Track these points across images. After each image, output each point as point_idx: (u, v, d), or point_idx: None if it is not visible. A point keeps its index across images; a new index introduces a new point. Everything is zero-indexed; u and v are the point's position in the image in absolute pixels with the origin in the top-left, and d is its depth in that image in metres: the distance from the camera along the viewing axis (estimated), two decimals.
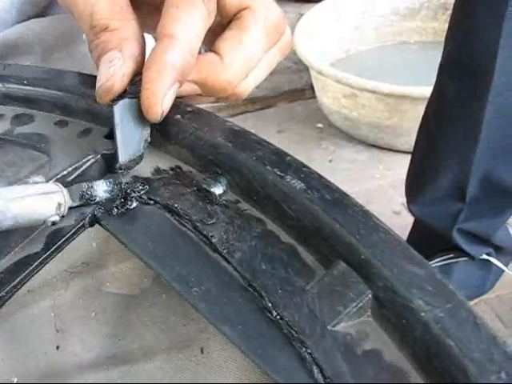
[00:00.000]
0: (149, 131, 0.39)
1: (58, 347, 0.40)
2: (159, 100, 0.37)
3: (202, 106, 0.42)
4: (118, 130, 0.38)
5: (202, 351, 0.37)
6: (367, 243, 0.30)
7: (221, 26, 0.43)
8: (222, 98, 0.44)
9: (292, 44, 0.47)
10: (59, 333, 0.40)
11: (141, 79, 0.38)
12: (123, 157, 0.38)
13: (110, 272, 0.42)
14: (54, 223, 0.35)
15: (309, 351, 0.28)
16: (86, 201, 0.36)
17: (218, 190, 0.36)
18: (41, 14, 0.67)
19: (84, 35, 0.42)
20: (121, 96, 0.39)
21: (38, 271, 0.36)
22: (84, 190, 0.36)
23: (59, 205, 0.35)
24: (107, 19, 0.40)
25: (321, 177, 0.34)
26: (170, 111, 0.38)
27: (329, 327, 0.29)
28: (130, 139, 0.38)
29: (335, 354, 0.28)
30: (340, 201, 0.32)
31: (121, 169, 0.38)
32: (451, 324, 0.26)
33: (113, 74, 0.38)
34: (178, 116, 0.39)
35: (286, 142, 2.09)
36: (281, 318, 0.30)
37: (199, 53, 0.40)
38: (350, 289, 0.29)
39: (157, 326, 0.39)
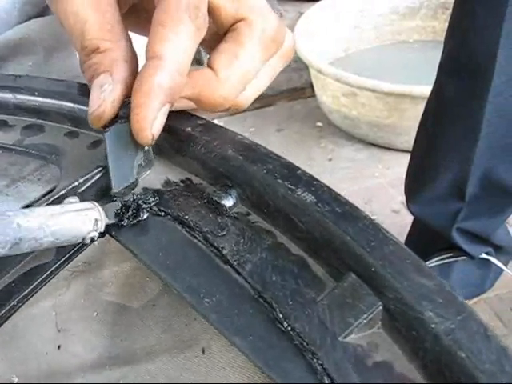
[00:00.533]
0: (142, 155, 0.39)
1: (59, 347, 0.40)
2: (148, 124, 0.36)
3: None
4: (110, 159, 0.38)
5: (203, 352, 0.37)
6: (377, 255, 0.30)
7: (217, 35, 0.43)
8: (220, 111, 0.43)
9: (295, 49, 0.46)
10: (60, 332, 0.40)
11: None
12: (116, 186, 0.38)
13: (112, 271, 0.42)
14: (92, 240, 0.35)
15: (320, 362, 0.28)
16: (120, 218, 0.37)
17: (228, 202, 0.36)
18: (41, 13, 0.67)
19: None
20: (113, 120, 0.39)
21: (48, 281, 0.36)
22: (118, 208, 0.37)
23: (96, 220, 0.35)
24: (97, 39, 0.39)
25: (331, 190, 0.34)
26: (180, 124, 0.39)
27: (339, 339, 0.29)
28: (122, 167, 0.38)
29: (346, 366, 0.28)
30: (350, 214, 0.33)
31: (115, 196, 0.38)
32: (462, 336, 0.27)
33: (103, 100, 0.38)
34: (189, 129, 0.40)
35: (286, 141, 2.09)
36: (292, 330, 0.30)
37: (200, 61, 0.39)
38: (360, 301, 0.30)
39: (159, 326, 0.39)
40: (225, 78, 0.40)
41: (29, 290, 0.35)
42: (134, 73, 0.40)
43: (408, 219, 1.51)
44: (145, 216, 0.37)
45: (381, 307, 0.29)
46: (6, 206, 0.44)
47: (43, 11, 0.67)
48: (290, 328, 0.30)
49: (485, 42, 1.15)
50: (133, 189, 0.39)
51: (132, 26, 0.45)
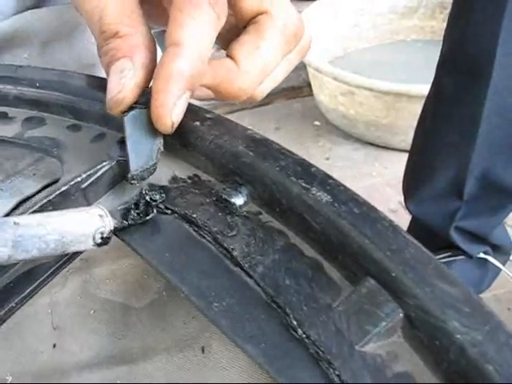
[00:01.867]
0: (161, 140, 0.38)
1: (54, 345, 0.39)
2: (168, 111, 0.36)
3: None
4: (129, 141, 0.37)
5: (202, 351, 0.37)
6: (397, 260, 0.29)
7: (237, 27, 0.42)
8: (236, 101, 0.43)
9: (311, 45, 0.47)
10: (56, 331, 0.40)
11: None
12: (134, 167, 0.37)
13: (110, 269, 0.42)
14: (103, 237, 0.34)
15: (336, 372, 0.27)
16: (126, 217, 0.35)
17: (238, 200, 0.35)
18: (38, 4, 0.66)
19: (92, 37, 0.41)
20: (131, 106, 0.38)
21: (48, 282, 0.35)
22: (124, 207, 0.36)
23: (100, 216, 0.34)
24: (117, 24, 0.39)
25: (348, 189, 0.33)
26: (188, 117, 0.38)
27: (357, 347, 0.28)
28: (141, 149, 0.37)
29: (364, 376, 0.27)
30: (368, 214, 0.31)
31: (133, 179, 0.37)
32: (489, 347, 0.25)
33: (124, 85, 0.38)
34: (197, 123, 0.38)
35: (283, 140, 2.08)
36: (306, 337, 0.28)
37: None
38: (379, 307, 0.28)
39: (157, 325, 0.39)
40: (245, 70, 0.40)
41: (28, 291, 0.34)
42: (153, 60, 0.39)
43: (405, 219, 1.51)
44: (152, 214, 0.35)
45: (401, 315, 0.28)
46: (0, 200, 0.43)
47: (40, 2, 0.66)
48: (304, 335, 0.29)
49: (484, 40, 1.15)
50: (152, 173, 0.38)
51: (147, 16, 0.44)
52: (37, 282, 0.34)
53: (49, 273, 0.34)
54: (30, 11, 0.64)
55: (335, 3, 2.35)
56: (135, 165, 0.37)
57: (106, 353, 0.39)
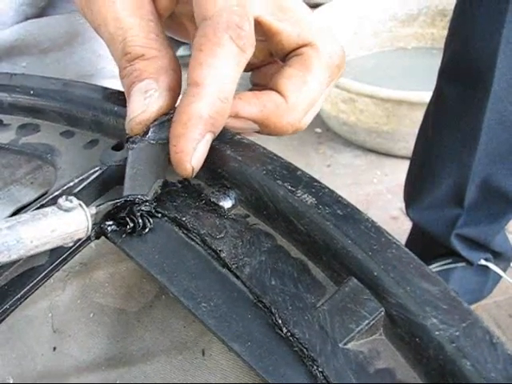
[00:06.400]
0: (160, 183, 0.37)
1: (54, 348, 0.39)
2: (188, 157, 0.35)
3: None
4: (128, 176, 0.37)
5: (203, 353, 0.37)
6: (380, 260, 0.30)
7: (275, 58, 0.42)
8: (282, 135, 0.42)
9: None
10: (56, 334, 0.40)
11: (167, 120, 0.37)
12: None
13: (108, 272, 0.42)
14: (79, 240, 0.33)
15: (320, 369, 0.28)
16: (123, 228, 0.35)
17: (226, 203, 0.35)
18: (39, 14, 0.66)
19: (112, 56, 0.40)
20: (141, 137, 0.38)
21: (42, 284, 0.35)
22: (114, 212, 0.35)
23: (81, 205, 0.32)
24: (143, 47, 0.38)
25: (332, 192, 0.33)
26: None
27: (340, 345, 0.28)
28: (138, 183, 0.37)
29: (347, 373, 0.27)
30: (352, 216, 0.32)
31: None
32: (467, 343, 0.26)
33: (148, 105, 0.37)
34: None
35: (284, 147, 2.09)
36: (291, 335, 0.29)
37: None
38: (362, 306, 0.29)
39: (156, 328, 0.39)
40: (294, 105, 0.39)
41: (22, 293, 0.34)
42: (179, 83, 0.38)
43: (406, 226, 1.51)
44: (149, 227, 0.35)
45: (383, 313, 0.29)
46: None
47: (41, 12, 0.66)
48: (289, 334, 0.29)
49: (484, 49, 1.15)
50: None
51: (166, 29, 0.44)
52: (31, 284, 0.34)
53: (42, 275, 0.35)
54: (29, 21, 0.64)
55: (336, 11, 2.35)
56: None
57: (105, 355, 0.39)
